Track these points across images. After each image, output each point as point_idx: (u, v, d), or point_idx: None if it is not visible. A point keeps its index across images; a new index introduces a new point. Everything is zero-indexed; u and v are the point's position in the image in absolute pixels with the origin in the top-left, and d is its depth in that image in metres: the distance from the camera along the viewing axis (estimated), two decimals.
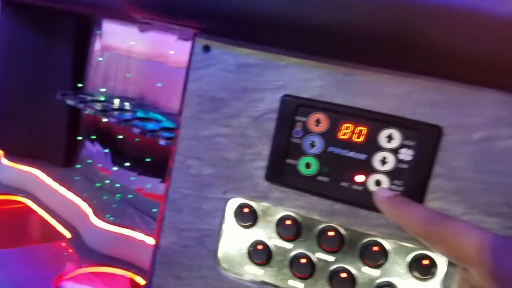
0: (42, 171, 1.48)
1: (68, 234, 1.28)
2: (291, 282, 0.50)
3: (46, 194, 1.44)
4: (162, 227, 0.53)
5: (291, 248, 0.50)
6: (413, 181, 0.44)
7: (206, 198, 0.51)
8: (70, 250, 1.20)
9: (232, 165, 0.50)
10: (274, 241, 0.50)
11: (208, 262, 0.52)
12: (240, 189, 0.50)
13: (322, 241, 0.48)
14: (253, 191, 0.50)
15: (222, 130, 0.50)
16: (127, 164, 1.35)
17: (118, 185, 1.38)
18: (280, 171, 0.48)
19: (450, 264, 0.44)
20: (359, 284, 0.48)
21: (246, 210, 0.50)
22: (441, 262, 0.45)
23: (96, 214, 1.25)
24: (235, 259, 0.52)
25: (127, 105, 1.30)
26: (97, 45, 1.47)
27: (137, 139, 1.29)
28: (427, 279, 0.45)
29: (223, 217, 0.51)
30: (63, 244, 1.24)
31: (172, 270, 0.53)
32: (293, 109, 0.47)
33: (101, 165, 1.45)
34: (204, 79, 0.50)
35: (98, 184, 1.43)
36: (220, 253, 0.52)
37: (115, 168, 1.39)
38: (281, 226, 0.49)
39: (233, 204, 0.51)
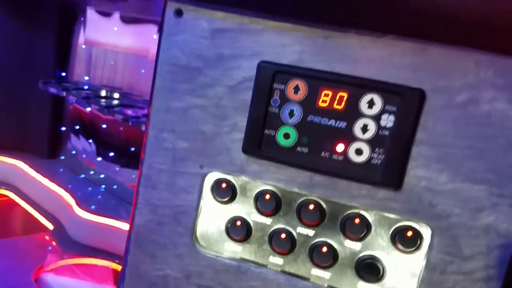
0: (26, 163, 1.46)
1: (50, 226, 1.25)
2: (271, 258, 0.48)
3: (30, 186, 1.42)
4: (137, 204, 0.51)
5: (271, 224, 0.48)
6: (395, 149, 0.42)
7: (182, 173, 0.49)
8: (53, 242, 1.18)
9: (208, 138, 0.48)
10: (253, 217, 0.48)
11: (185, 240, 0.50)
12: (216, 163, 0.48)
13: (302, 215, 0.46)
14: (230, 164, 0.47)
15: (197, 101, 0.48)
16: (112, 154, 1.32)
17: (102, 176, 1.35)
18: (258, 143, 0.46)
19: (434, 235, 0.42)
20: (341, 258, 0.46)
21: (223, 185, 0.48)
22: (426, 234, 0.43)
23: (79, 205, 1.22)
24: (213, 236, 0.50)
25: (110, 93, 1.28)
26: (81, 35, 1.44)
27: (121, 128, 1.27)
28: (411, 251, 0.43)
29: (199, 192, 0.49)
30: (46, 236, 1.21)
31: (147, 249, 0.51)
32: (270, 76, 0.45)
33: (85, 156, 1.42)
34: (176, 46, 0.47)
35: (82, 176, 1.40)
36: (197, 231, 0.50)
37: (99, 159, 1.37)
38: (260, 201, 0.47)
39: (210, 179, 0.49)
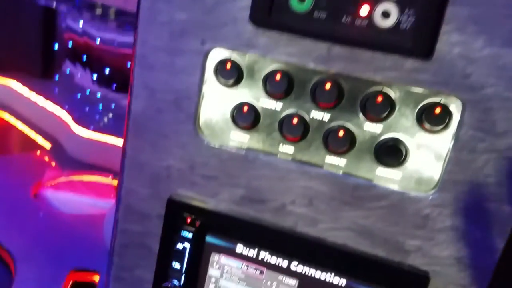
0: (19, 82, 1.40)
1: (48, 145, 1.22)
2: (281, 147, 0.44)
3: (25, 106, 1.37)
4: (133, 88, 0.46)
5: (281, 109, 0.43)
6: (427, 9, 0.36)
7: (181, 51, 0.43)
8: (52, 161, 1.15)
9: (210, 7, 0.42)
10: (262, 102, 0.43)
11: (187, 127, 0.45)
12: (220, 36, 0.42)
13: (318, 96, 0.41)
14: (236, 38, 0.42)
15: None
16: (108, 72, 1.26)
17: (99, 95, 1.30)
18: (268, 9, 0.40)
19: (465, 110, 0.37)
20: (359, 142, 0.41)
21: (228, 65, 0.43)
22: (455, 110, 0.38)
23: (77, 123, 1.19)
24: (217, 124, 0.45)
25: (102, 5, 1.19)
26: None
27: (115, 44, 1.20)
28: (439, 130, 0.39)
29: (201, 74, 0.44)
30: (44, 155, 1.18)
31: (146, 138, 0.46)
32: None
33: (80, 75, 1.36)
34: None
35: (79, 95, 1.35)
36: (200, 118, 0.45)
37: (95, 77, 1.31)
38: (269, 82, 0.42)
39: (213, 58, 0.43)
